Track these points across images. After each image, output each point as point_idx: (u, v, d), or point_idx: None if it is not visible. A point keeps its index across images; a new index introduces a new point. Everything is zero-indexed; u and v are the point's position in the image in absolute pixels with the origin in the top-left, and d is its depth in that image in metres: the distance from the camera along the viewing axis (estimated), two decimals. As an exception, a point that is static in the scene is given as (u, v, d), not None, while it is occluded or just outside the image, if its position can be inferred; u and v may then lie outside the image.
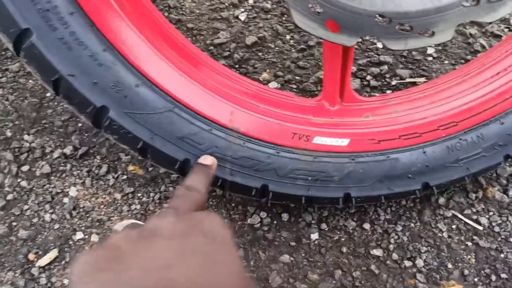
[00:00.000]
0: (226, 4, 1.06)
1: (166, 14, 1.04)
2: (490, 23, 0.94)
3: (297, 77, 0.91)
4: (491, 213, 0.73)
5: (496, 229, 0.71)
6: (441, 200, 0.74)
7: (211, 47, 0.97)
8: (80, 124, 0.84)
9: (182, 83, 0.58)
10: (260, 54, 0.96)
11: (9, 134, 0.82)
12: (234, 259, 0.37)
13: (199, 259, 0.35)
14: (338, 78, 0.63)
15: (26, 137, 0.82)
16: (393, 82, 0.88)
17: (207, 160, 0.57)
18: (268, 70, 0.93)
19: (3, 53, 0.97)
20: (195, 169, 0.55)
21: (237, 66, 0.94)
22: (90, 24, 0.51)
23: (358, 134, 0.63)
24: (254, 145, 0.61)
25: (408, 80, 0.88)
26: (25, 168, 0.78)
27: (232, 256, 0.38)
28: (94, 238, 0.71)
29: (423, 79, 0.88)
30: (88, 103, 0.54)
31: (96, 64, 0.52)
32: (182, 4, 1.06)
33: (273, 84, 0.90)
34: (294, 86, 0.90)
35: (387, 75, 0.89)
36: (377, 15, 0.50)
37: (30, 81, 0.91)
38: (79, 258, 0.35)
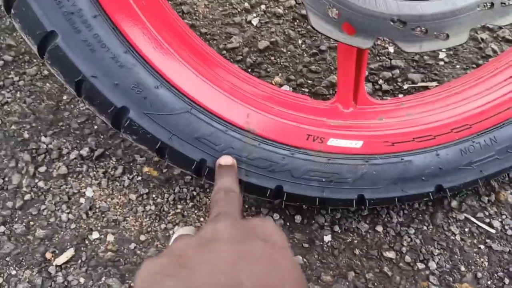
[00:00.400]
0: (239, 9, 1.08)
1: (179, 19, 1.06)
2: (501, 27, 0.95)
3: (309, 81, 0.92)
4: (503, 217, 0.73)
5: (509, 232, 0.72)
6: (454, 203, 0.74)
7: (224, 52, 0.98)
8: (96, 127, 0.85)
9: (199, 85, 0.59)
10: (272, 58, 0.97)
11: (26, 136, 0.84)
12: (294, 265, 0.38)
13: (262, 263, 0.35)
14: (352, 81, 0.64)
15: (43, 138, 0.83)
16: (405, 86, 0.88)
17: (229, 160, 0.58)
18: (280, 74, 0.94)
19: (20, 57, 0.99)
20: (221, 171, 0.55)
21: (249, 70, 0.95)
22: (112, 27, 0.52)
23: (372, 137, 0.64)
24: (269, 146, 0.62)
25: (419, 84, 0.88)
26: (42, 169, 0.80)
27: (292, 261, 0.38)
28: (110, 238, 0.72)
29: (434, 84, 0.88)
30: (109, 104, 0.55)
31: (118, 66, 0.53)
32: (196, 9, 1.08)
33: (286, 88, 0.91)
34: (306, 90, 0.91)
35: (399, 79, 0.90)
36: (392, 18, 0.51)
37: (47, 84, 0.93)
38: (142, 266, 0.36)
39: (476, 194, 0.75)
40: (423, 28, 0.52)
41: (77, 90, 0.55)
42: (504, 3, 0.52)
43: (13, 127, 0.86)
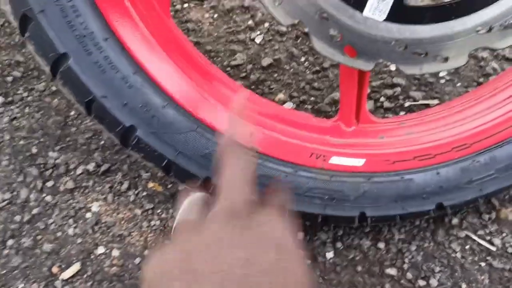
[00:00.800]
0: (243, 27, 1.10)
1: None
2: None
3: (312, 98, 0.93)
4: (504, 234, 0.74)
5: (510, 250, 0.72)
6: (455, 221, 0.75)
7: (228, 69, 1.00)
8: (102, 142, 0.87)
9: (205, 104, 0.61)
10: (275, 75, 0.99)
11: (34, 150, 0.86)
12: (303, 272, 0.36)
13: (270, 277, 0.34)
14: (354, 100, 0.66)
15: (51, 153, 0.85)
16: (406, 104, 0.90)
17: (243, 98, 0.48)
18: (283, 91, 0.95)
19: (29, 73, 1.01)
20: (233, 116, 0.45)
21: (253, 87, 0.97)
22: (122, 49, 0.54)
23: (374, 155, 0.65)
24: (272, 164, 0.63)
25: (421, 102, 0.90)
26: (49, 183, 0.81)
27: (301, 267, 0.36)
28: (115, 253, 0.73)
29: (436, 101, 0.90)
30: (118, 122, 0.57)
31: (127, 86, 0.55)
32: (200, 27, 1.10)
33: (289, 105, 0.92)
34: (309, 107, 0.92)
35: (400, 97, 0.91)
36: (393, 41, 0.53)
37: (55, 100, 0.95)
38: (149, 261, 0.35)
39: (477, 211, 0.76)
40: (423, 51, 0.54)
41: (87, 109, 0.57)
42: (502, 27, 0.53)
43: (21, 142, 0.88)
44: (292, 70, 1.00)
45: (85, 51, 0.53)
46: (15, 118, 0.92)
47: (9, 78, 0.99)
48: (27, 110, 0.94)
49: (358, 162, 0.65)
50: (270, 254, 0.35)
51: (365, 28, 0.52)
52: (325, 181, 0.64)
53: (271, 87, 0.96)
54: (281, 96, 0.94)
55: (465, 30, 0.53)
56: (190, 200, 0.43)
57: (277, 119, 0.66)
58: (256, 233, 0.37)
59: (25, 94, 0.96)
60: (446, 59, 0.54)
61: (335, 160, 0.65)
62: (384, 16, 0.51)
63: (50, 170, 0.83)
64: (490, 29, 0.53)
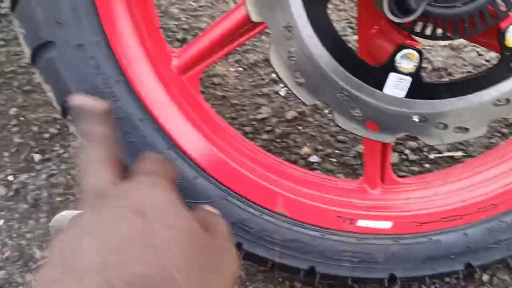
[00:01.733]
0: (267, 80, 1.14)
1: (212, 90, 1.13)
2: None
3: (337, 151, 0.96)
4: (537, 291, 0.73)
5: (544, 308, 0.71)
6: (485, 277, 0.75)
7: (254, 122, 1.04)
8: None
9: (235, 174, 0.64)
10: (300, 128, 1.02)
11: (71, 207, 0.90)
12: (169, 244, 0.30)
13: (136, 248, 0.29)
14: (378, 163, 0.68)
15: (87, 211, 0.89)
16: (431, 156, 0.91)
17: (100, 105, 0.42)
18: (308, 144, 0.98)
19: (65, 129, 1.07)
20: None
21: (278, 140, 0.99)
22: (157, 127, 0.58)
23: (400, 217, 0.66)
24: (300, 228, 0.65)
25: (445, 154, 0.91)
26: (86, 241, 0.85)
27: (165, 239, 0.30)
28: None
29: (460, 153, 0.91)
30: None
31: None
32: (226, 81, 1.15)
33: (314, 158, 0.95)
34: (334, 160, 0.94)
35: (425, 149, 0.92)
36: (413, 116, 0.55)
37: (90, 157, 1.00)
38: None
39: (507, 267, 0.75)
40: (443, 124, 0.55)
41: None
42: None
43: (58, 198, 0.92)
44: (316, 122, 1.02)
45: (122, 132, 0.57)
46: (52, 175, 0.97)
47: (46, 135, 1.04)
48: (63, 166, 0.98)
49: (385, 225, 0.66)
50: (124, 225, 0.30)
51: (385, 104, 0.54)
52: (353, 244, 0.66)
53: (296, 140, 0.99)
54: (306, 149, 0.97)
55: (483, 103, 0.54)
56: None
57: (303, 183, 0.69)
58: (111, 206, 0.32)
59: (61, 151, 1.02)
60: (466, 130, 0.56)
61: (362, 223, 0.66)
62: (404, 93, 0.54)
63: (87, 228, 0.87)
64: (508, 101, 0.55)
